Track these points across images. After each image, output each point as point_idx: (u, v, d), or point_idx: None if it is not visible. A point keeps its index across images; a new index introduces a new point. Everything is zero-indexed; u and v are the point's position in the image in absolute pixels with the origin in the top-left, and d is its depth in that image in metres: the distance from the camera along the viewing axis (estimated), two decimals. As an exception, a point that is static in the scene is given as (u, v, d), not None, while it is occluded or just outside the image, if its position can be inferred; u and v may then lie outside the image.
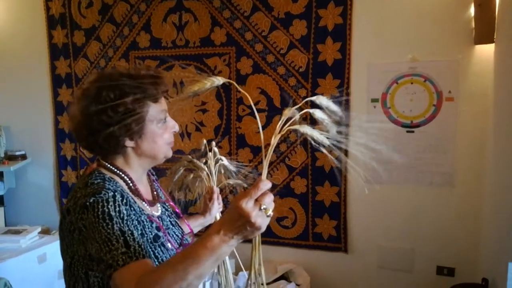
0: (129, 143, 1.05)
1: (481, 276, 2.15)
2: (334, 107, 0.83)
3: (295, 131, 0.81)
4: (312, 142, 0.81)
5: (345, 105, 2.62)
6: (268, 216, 0.77)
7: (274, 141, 0.82)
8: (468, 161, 2.47)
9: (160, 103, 1.08)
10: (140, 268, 0.85)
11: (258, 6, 2.77)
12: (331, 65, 2.66)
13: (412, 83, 2.52)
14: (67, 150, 3.39)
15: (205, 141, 1.01)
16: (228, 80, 0.87)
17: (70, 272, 1.01)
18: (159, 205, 1.19)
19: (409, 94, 2.53)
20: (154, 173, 1.32)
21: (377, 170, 0.84)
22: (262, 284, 0.91)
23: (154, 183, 1.26)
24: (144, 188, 1.15)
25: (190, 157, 1.02)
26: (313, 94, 2.70)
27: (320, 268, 2.77)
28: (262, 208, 0.76)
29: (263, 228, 0.77)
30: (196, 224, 1.37)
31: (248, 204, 0.75)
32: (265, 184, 0.78)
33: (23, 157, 3.43)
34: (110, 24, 3.12)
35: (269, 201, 0.77)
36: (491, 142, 2.29)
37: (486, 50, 2.35)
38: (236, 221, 0.76)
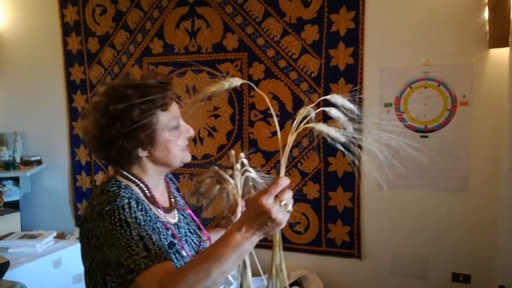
0: (142, 153, 1.06)
1: (497, 283, 2.11)
2: (349, 105, 0.85)
3: (311, 129, 0.83)
4: (328, 140, 0.83)
5: (358, 109, 2.61)
6: (288, 211, 0.80)
7: (290, 139, 0.84)
8: (483, 166, 2.43)
9: (170, 111, 1.07)
10: (163, 270, 0.86)
11: (270, 12, 2.78)
12: (344, 70, 2.65)
13: (426, 87, 2.50)
14: (82, 155, 3.43)
15: (233, 152, 1.01)
16: (246, 81, 0.91)
17: (89, 276, 1.03)
18: (176, 212, 1.18)
19: (423, 99, 2.51)
20: (174, 180, 1.33)
21: (394, 167, 0.85)
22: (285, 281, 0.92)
23: (174, 190, 1.26)
24: (160, 195, 1.15)
25: (216, 168, 1.02)
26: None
27: (333, 274, 2.75)
28: (282, 204, 0.78)
29: (284, 224, 0.80)
30: (218, 237, 1.34)
31: (268, 201, 0.77)
32: (284, 181, 0.80)
33: (39, 162, 3.48)
34: (123, 31, 3.16)
35: (288, 197, 0.80)
36: (506, 146, 2.26)
37: (501, 54, 2.32)
38: (257, 218, 0.79)
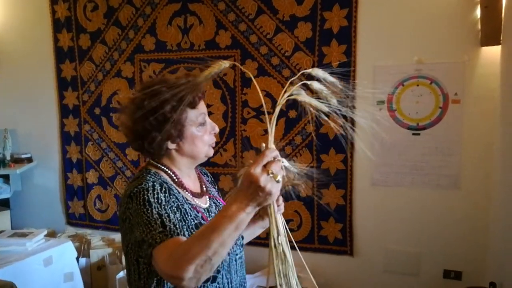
0: (171, 146, 1.16)
1: (488, 279, 2.13)
2: (331, 78, 0.87)
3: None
4: (311, 109, 0.86)
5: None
6: (277, 181, 0.84)
7: (277, 110, 0.87)
8: (475, 164, 2.45)
9: (198, 108, 1.17)
10: (174, 244, 0.94)
11: (263, 9, 2.77)
12: (337, 68, 2.64)
13: (418, 85, 2.51)
14: (73, 153, 3.40)
15: (264, 144, 1.03)
16: (234, 63, 0.95)
17: (126, 259, 1.13)
18: (207, 198, 1.27)
19: (415, 96, 2.51)
20: (208, 174, 1.43)
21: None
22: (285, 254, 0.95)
23: (205, 181, 1.35)
24: (191, 182, 1.25)
25: (251, 161, 1.04)
26: (318, 96, 2.70)
27: (326, 271, 2.76)
28: (270, 173, 0.83)
29: (274, 194, 0.84)
30: (256, 226, 1.36)
31: (256, 170, 0.83)
32: (271, 152, 0.86)
33: (29, 160, 3.45)
34: (115, 27, 3.14)
35: (277, 168, 0.84)
36: (498, 144, 2.28)
37: (493, 52, 2.33)
38: (248, 188, 0.84)
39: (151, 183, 1.07)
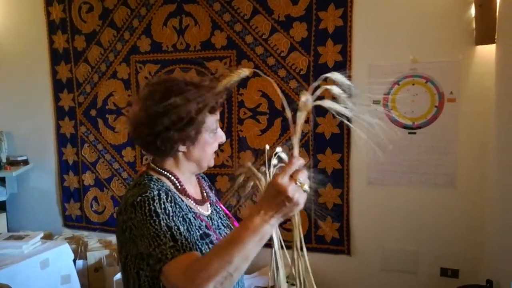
0: (182, 148, 1.10)
1: (485, 277, 2.14)
2: (347, 82, 0.86)
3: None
4: (335, 115, 0.85)
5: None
6: (304, 191, 0.81)
7: (301, 119, 0.85)
8: (471, 162, 2.46)
9: (216, 114, 1.13)
10: (188, 260, 0.89)
11: (258, 9, 2.77)
12: (332, 67, 2.65)
13: (413, 84, 2.51)
14: (69, 155, 3.39)
15: (268, 147, 1.01)
16: (255, 70, 0.91)
17: (124, 270, 1.07)
18: (209, 205, 1.23)
19: (411, 96, 2.52)
20: (206, 178, 1.38)
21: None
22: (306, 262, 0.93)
23: (205, 186, 1.31)
24: (193, 188, 1.20)
25: (249, 165, 1.02)
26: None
27: (323, 271, 2.76)
28: (298, 183, 0.80)
29: (301, 204, 0.81)
30: None
31: (284, 180, 0.79)
32: (298, 160, 0.82)
33: (25, 162, 3.43)
34: (110, 29, 3.13)
35: (303, 176, 0.81)
36: (493, 142, 2.28)
37: (487, 51, 2.34)
38: (274, 199, 0.80)
39: (157, 192, 1.01)
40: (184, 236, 0.95)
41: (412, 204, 2.59)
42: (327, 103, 0.85)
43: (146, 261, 0.97)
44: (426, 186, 2.55)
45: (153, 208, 0.97)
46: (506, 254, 1.90)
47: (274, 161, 1.01)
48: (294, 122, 0.85)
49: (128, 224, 1.00)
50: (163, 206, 0.98)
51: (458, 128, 2.46)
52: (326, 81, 0.85)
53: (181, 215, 1.01)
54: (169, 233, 0.93)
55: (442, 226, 2.54)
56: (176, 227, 0.95)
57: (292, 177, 0.80)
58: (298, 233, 0.90)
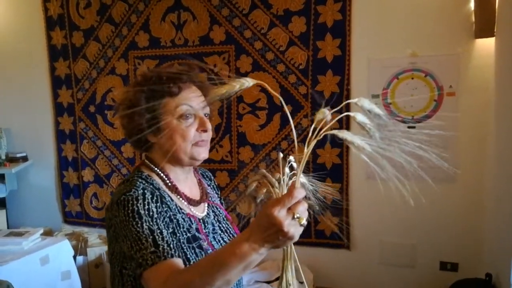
0: (152, 139, 1.06)
1: (484, 271, 2.14)
2: (377, 110, 0.75)
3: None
4: (353, 149, 0.75)
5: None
6: (301, 225, 0.74)
7: (309, 148, 0.77)
8: (470, 156, 2.45)
9: (179, 97, 1.03)
10: (169, 268, 0.86)
11: (256, 4, 2.75)
12: (331, 62, 2.64)
13: (413, 78, 2.51)
14: (68, 151, 3.38)
15: (281, 154, 0.95)
16: (259, 82, 0.81)
17: (111, 268, 1.04)
18: (206, 206, 1.16)
19: (410, 90, 2.51)
20: (210, 177, 1.31)
21: (422, 182, 0.78)
22: None
23: (205, 186, 1.23)
24: (187, 187, 1.13)
25: (264, 171, 0.94)
26: (313, 91, 2.70)
27: (323, 265, 2.77)
28: (295, 217, 0.72)
29: (296, 238, 0.74)
30: None
31: (280, 213, 0.71)
32: (300, 193, 0.74)
33: (24, 159, 3.43)
34: (108, 24, 3.12)
35: (302, 210, 0.74)
36: (493, 136, 2.28)
37: (487, 44, 2.33)
38: (266, 229, 0.73)
39: (141, 191, 0.96)
40: (167, 241, 0.91)
41: (411, 198, 2.59)
42: (343, 134, 0.74)
43: (129, 262, 0.94)
44: (425, 180, 2.54)
45: (136, 208, 0.93)
46: (505, 247, 1.90)
47: (287, 169, 0.94)
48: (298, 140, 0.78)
49: (112, 222, 0.97)
50: (146, 207, 0.94)
51: (458, 122, 2.46)
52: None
53: (167, 215, 0.98)
54: (151, 237, 0.90)
55: (441, 220, 2.54)
56: (159, 231, 0.91)
57: (290, 209, 0.72)
58: (290, 265, 0.83)
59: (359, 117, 0.74)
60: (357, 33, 2.59)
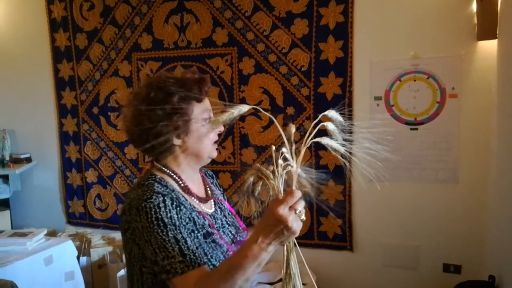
0: (176, 141, 1.12)
1: (488, 273, 2.14)
2: (340, 118, 0.95)
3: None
4: (332, 152, 0.93)
5: (348, 103, 2.62)
6: (301, 220, 0.88)
7: (302, 152, 0.93)
8: (473, 157, 2.45)
9: (204, 103, 1.14)
10: (196, 276, 0.96)
11: (259, 6, 2.76)
12: (333, 64, 2.65)
13: (415, 80, 2.51)
14: (72, 152, 3.40)
15: (274, 147, 1.04)
16: (254, 107, 0.97)
17: (129, 267, 1.11)
18: (212, 203, 1.24)
19: (412, 92, 2.52)
20: (212, 175, 1.39)
21: (381, 168, 0.99)
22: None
23: (209, 183, 1.31)
24: (196, 186, 1.21)
25: (258, 165, 1.06)
26: (316, 93, 2.71)
27: (326, 267, 2.77)
28: (296, 213, 0.86)
29: (298, 232, 0.87)
30: None
31: (284, 210, 0.85)
32: (298, 192, 0.89)
33: (28, 160, 3.45)
34: (112, 26, 3.13)
35: (301, 207, 0.88)
36: (495, 137, 2.28)
37: (489, 46, 2.33)
38: (273, 227, 0.86)
39: (161, 198, 1.02)
40: (192, 250, 0.99)
41: (414, 200, 2.59)
42: (325, 140, 0.93)
43: (150, 264, 1.00)
44: (428, 182, 2.54)
45: (160, 216, 0.99)
46: (509, 249, 1.90)
47: (280, 161, 1.05)
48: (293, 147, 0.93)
49: (131, 225, 1.02)
50: (169, 214, 1.00)
51: (460, 123, 2.46)
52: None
53: (186, 216, 1.04)
54: (177, 246, 0.98)
55: (444, 222, 2.54)
56: (183, 240, 0.99)
57: (292, 207, 0.86)
58: (293, 258, 0.95)
59: (330, 126, 0.94)
60: (359, 35, 2.59)
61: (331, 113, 0.95)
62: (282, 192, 1.03)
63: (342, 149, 0.93)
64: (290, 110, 2.74)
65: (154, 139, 1.09)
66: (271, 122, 2.81)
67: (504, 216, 2.02)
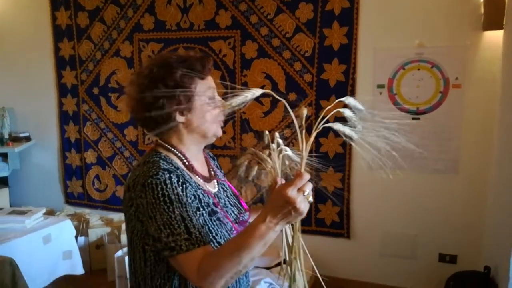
0: (180, 118, 1.10)
1: (483, 263, 2.16)
2: (359, 106, 0.94)
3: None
4: (344, 137, 0.93)
5: (351, 91, 2.60)
6: (309, 202, 0.89)
7: (311, 137, 0.92)
8: (473, 149, 2.45)
9: (207, 81, 1.14)
10: (201, 254, 0.96)
11: (264, -11, 2.73)
12: (337, 50, 2.63)
13: (419, 69, 2.49)
14: (71, 132, 3.39)
15: (267, 132, 1.06)
16: (266, 91, 0.95)
17: (131, 245, 1.10)
18: (215, 182, 1.24)
19: (416, 81, 2.50)
20: (213, 157, 1.39)
21: (394, 157, 0.98)
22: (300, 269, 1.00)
23: (212, 165, 1.31)
24: (200, 165, 1.20)
25: (253, 149, 1.07)
26: (319, 79, 2.69)
27: (323, 253, 2.78)
28: (304, 195, 0.87)
29: (305, 213, 0.88)
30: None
31: (293, 192, 0.86)
32: (307, 175, 0.90)
33: (27, 138, 3.44)
34: (114, 6, 3.09)
35: (309, 189, 0.89)
36: (497, 129, 2.27)
37: (495, 36, 2.31)
38: (282, 208, 0.87)
39: (168, 175, 1.02)
40: (198, 229, 0.99)
41: (412, 189, 2.60)
42: (337, 126, 0.92)
43: (152, 241, 1.00)
44: (427, 172, 2.54)
45: (166, 193, 0.99)
46: (505, 241, 1.91)
47: (273, 145, 1.07)
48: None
49: (135, 202, 1.02)
50: (175, 191, 1.00)
51: (463, 114, 2.45)
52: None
53: (192, 194, 1.04)
54: (183, 224, 0.97)
55: (442, 212, 2.55)
56: (189, 218, 0.98)
57: (300, 189, 0.87)
58: (298, 238, 0.98)
59: (347, 112, 0.93)
60: (364, 21, 2.56)
61: (349, 99, 0.94)
62: (280, 174, 1.05)
63: (355, 135, 0.92)
64: (292, 96, 2.72)
65: (156, 113, 1.08)
66: (272, 108, 2.79)
67: (503, 208, 2.03)
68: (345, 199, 2.73)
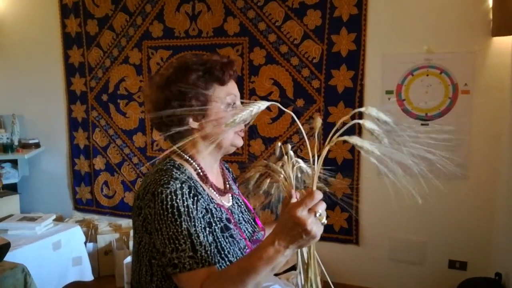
0: (193, 124, 1.04)
1: (494, 270, 2.14)
2: (385, 117, 0.81)
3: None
4: (362, 153, 0.81)
5: (359, 97, 2.61)
6: (322, 223, 0.80)
7: (324, 152, 0.84)
8: (482, 154, 2.44)
9: (228, 87, 1.06)
10: (204, 275, 0.89)
11: (272, -4, 2.74)
12: (346, 56, 2.63)
13: (427, 75, 2.49)
14: (80, 139, 3.41)
15: (279, 144, 1.00)
16: (272, 103, 0.88)
17: (137, 257, 1.03)
18: (230, 196, 1.17)
19: (425, 86, 2.50)
20: (230, 170, 1.32)
21: (430, 180, 0.87)
22: None
23: (228, 177, 1.24)
24: (215, 177, 1.13)
25: (265, 161, 1.00)
26: (327, 85, 2.69)
27: (331, 260, 2.77)
28: (317, 215, 0.78)
29: (318, 237, 0.79)
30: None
31: (303, 212, 0.77)
32: (319, 194, 0.81)
33: (37, 145, 3.47)
34: (123, 14, 3.12)
35: (322, 209, 0.80)
36: (506, 135, 2.26)
37: (504, 42, 2.31)
38: (291, 230, 0.78)
39: (179, 185, 0.95)
40: (204, 247, 0.91)
41: (421, 195, 2.58)
42: (353, 140, 0.80)
43: (159, 256, 0.94)
44: (436, 178, 2.53)
45: (175, 204, 0.92)
46: (517, 247, 1.90)
47: (286, 157, 1.00)
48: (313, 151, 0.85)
49: (144, 211, 0.96)
50: (185, 203, 0.93)
51: (472, 120, 2.44)
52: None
53: (203, 207, 0.98)
54: (189, 240, 0.90)
55: (451, 218, 2.53)
56: (196, 234, 0.91)
57: (311, 209, 0.78)
58: (313, 265, 0.88)
59: (368, 124, 0.80)
60: (372, 27, 2.57)
61: (370, 109, 0.81)
62: (294, 186, 0.98)
63: (376, 151, 0.79)
64: (300, 102, 2.73)
65: (168, 117, 1.01)
66: (280, 114, 2.80)
67: (514, 214, 2.02)
68: (354, 205, 2.72)
